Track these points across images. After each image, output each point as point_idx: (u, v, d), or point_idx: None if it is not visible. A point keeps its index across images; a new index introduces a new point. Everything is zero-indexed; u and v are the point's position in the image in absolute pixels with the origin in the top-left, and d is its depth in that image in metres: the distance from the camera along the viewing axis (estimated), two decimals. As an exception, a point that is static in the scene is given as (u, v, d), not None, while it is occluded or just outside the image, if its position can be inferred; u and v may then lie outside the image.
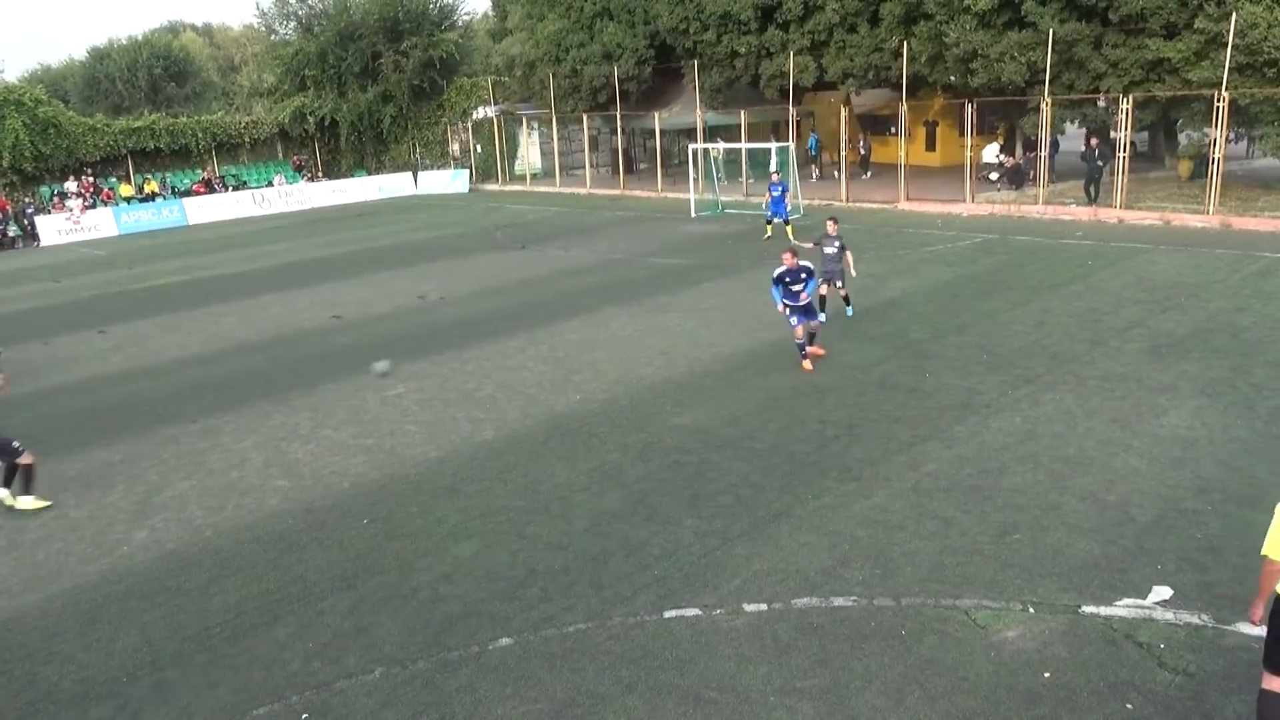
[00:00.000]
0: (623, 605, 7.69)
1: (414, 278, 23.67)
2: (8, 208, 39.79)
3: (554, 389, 13.60)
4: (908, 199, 30.42)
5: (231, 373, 15.89)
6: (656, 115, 39.82)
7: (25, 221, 39.23)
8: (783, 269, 13.48)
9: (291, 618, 7.88)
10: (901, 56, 30.72)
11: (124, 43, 74.24)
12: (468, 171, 48.40)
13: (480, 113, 48.19)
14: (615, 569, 8.31)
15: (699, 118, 38.12)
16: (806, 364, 13.68)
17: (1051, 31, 26.35)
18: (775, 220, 25.47)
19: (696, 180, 32.14)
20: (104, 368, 16.87)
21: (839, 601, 7.53)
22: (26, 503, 10.54)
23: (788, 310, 13.62)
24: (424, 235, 32.15)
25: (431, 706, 6.59)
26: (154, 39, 76.13)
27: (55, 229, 38.87)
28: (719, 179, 33.16)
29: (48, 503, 10.64)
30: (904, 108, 30.71)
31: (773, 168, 26.28)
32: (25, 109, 40.79)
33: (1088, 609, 7.20)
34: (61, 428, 13.44)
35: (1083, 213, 26.42)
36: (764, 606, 7.54)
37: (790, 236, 23.83)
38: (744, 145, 34.46)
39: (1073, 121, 32.12)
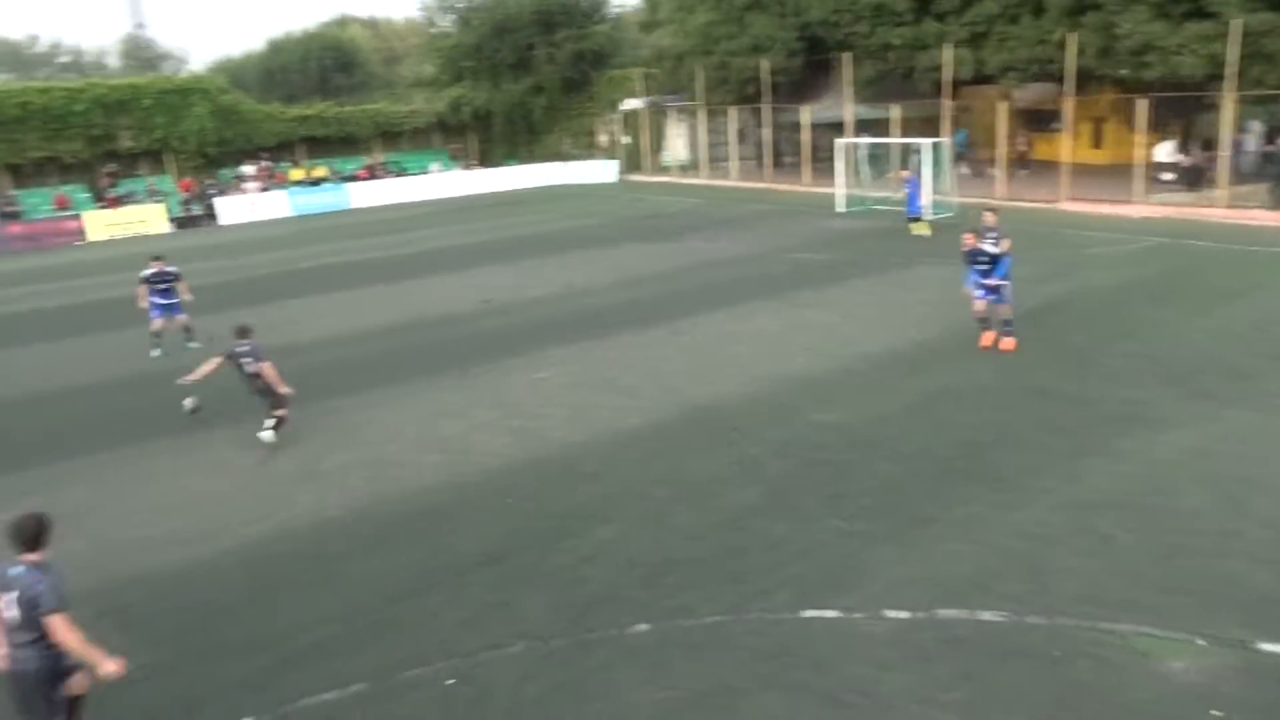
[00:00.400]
0: (760, 600, 7.65)
1: (560, 265, 24.13)
2: (193, 188, 42.79)
3: (695, 380, 13.63)
4: (1070, 199, 28.95)
5: (386, 350, 16.62)
6: (805, 108, 39.23)
7: (207, 202, 42.10)
8: (967, 248, 14.23)
9: (441, 588, 8.20)
10: (1067, 49, 29.18)
11: (298, 35, 78.60)
12: (616, 162, 49.00)
13: (628, 104, 48.68)
14: (753, 563, 8.27)
15: (848, 111, 37.34)
16: (985, 339, 14.16)
17: (1238, 22, 24.48)
18: (918, 218, 25.01)
19: (844, 175, 31.50)
20: (274, 339, 17.85)
21: (986, 615, 7.26)
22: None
23: (976, 290, 14.18)
24: (571, 224, 32.74)
25: (569, 684, 6.74)
26: (325, 32, 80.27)
27: (233, 209, 41.56)
28: (867, 174, 32.38)
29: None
30: (1069, 103, 29.18)
31: (908, 165, 25.73)
32: (210, 97, 43.80)
33: (1266, 646, 6.69)
34: (235, 395, 14.35)
35: (1270, 218, 24.50)
36: (906, 614, 7.34)
37: (923, 232, 23.44)
38: (893, 140, 33.55)
39: (1259, 120, 29.81)
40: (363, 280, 23.95)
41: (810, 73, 41.37)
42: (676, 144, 48.84)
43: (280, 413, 11.99)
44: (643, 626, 7.41)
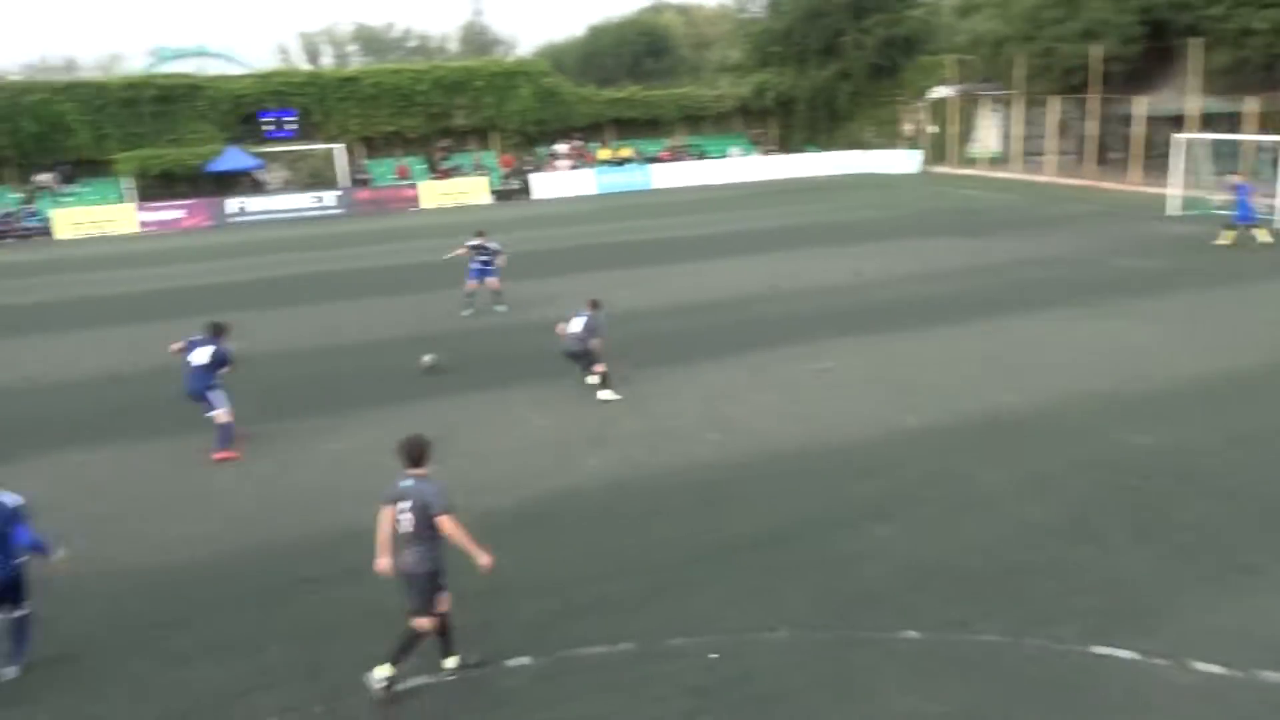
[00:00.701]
0: (1044, 627, 7.15)
1: (853, 255, 23.68)
2: (512, 164, 46.35)
3: (990, 385, 12.90)
4: None
5: (676, 328, 17.15)
6: (1139, 100, 35.62)
7: (523, 177, 45.43)
8: None
9: (711, 563, 8.39)
10: None
11: (617, 21, 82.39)
12: (919, 152, 47.24)
13: (938, 92, 46.64)
14: (1042, 586, 7.73)
15: (1191, 104, 33.44)
16: None
17: None
18: (1238, 226, 22.29)
19: (1180, 175, 28.31)
20: (564, 311, 18.92)
21: (1324, 686, 6.34)
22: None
23: None
24: (867, 214, 32.00)
25: (834, 679, 6.67)
26: (641, 18, 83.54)
27: (544, 185, 44.55)
28: (1209, 175, 28.90)
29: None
30: None
31: (1239, 169, 22.58)
32: (533, 80, 47.13)
33: None
34: (543, 357, 15.46)
35: None
36: (1219, 669, 6.57)
37: (1264, 239, 21.22)
38: (1246, 137, 29.67)
39: None
40: (659, 258, 24.82)
41: (1148, 61, 37.48)
42: (987, 135, 46.21)
43: (599, 369, 12.98)
44: (912, 633, 7.18)
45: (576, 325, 13.07)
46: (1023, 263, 21.70)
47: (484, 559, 6.71)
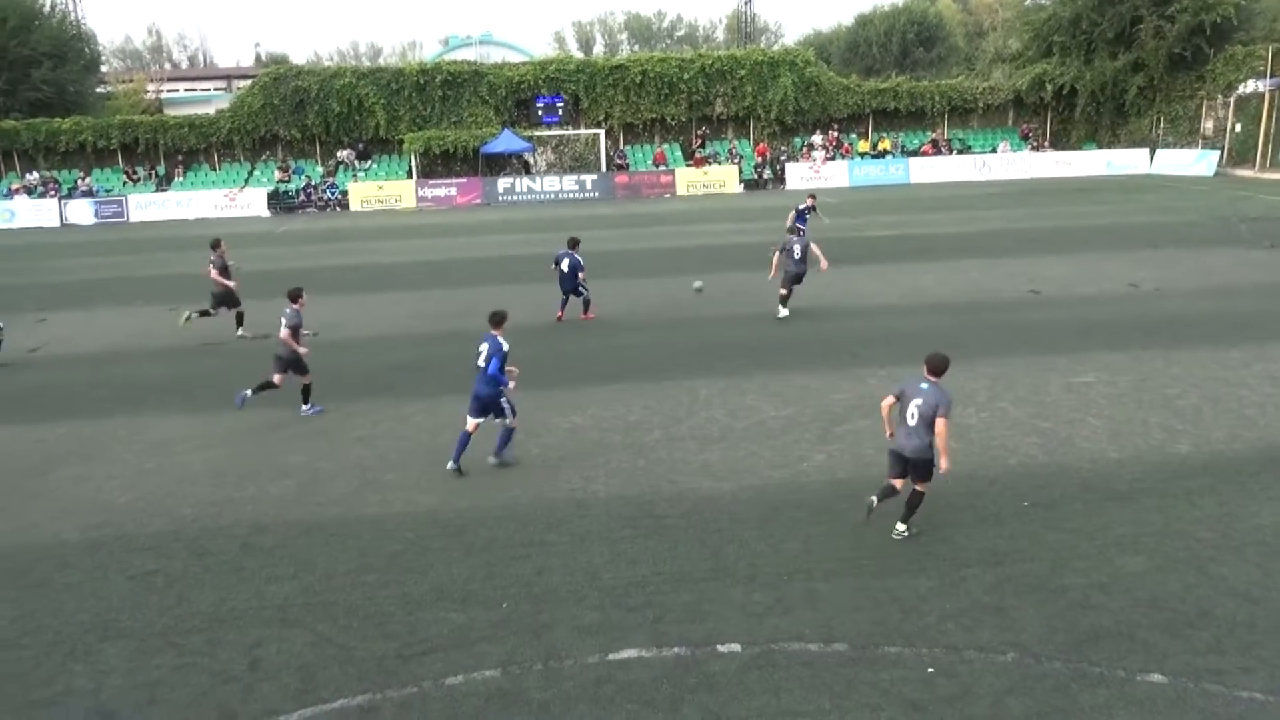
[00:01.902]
0: (1322, 692, 6.33)
1: (1129, 263, 21.77)
2: (767, 153, 46.28)
3: (1276, 415, 11.49)
4: None
5: (921, 328, 16.50)
6: None
7: (778, 167, 45.24)
8: None
9: (934, 573, 8.08)
10: None
11: (885, 10, 79.95)
12: (1217, 153, 42.52)
13: (1248, 86, 41.68)
14: (1321, 647, 6.84)
15: None
16: None
17: None
18: None
19: None
20: (818, 302, 18.76)
21: None
22: None
23: None
24: (1150, 219, 29.27)
25: (1060, 712, 6.24)
26: (913, 6, 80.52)
27: (799, 175, 44.14)
28: None
29: None
30: None
31: None
32: (796, 69, 46.70)
33: None
34: (785, 348, 15.43)
35: None
36: None
37: None
38: None
39: None
40: (912, 255, 23.99)
41: None
42: (1306, 136, 40.84)
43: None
44: (1157, 677, 6.57)
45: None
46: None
47: (945, 465, 8.40)
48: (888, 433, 8.89)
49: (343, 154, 46.95)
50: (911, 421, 8.48)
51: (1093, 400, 12.36)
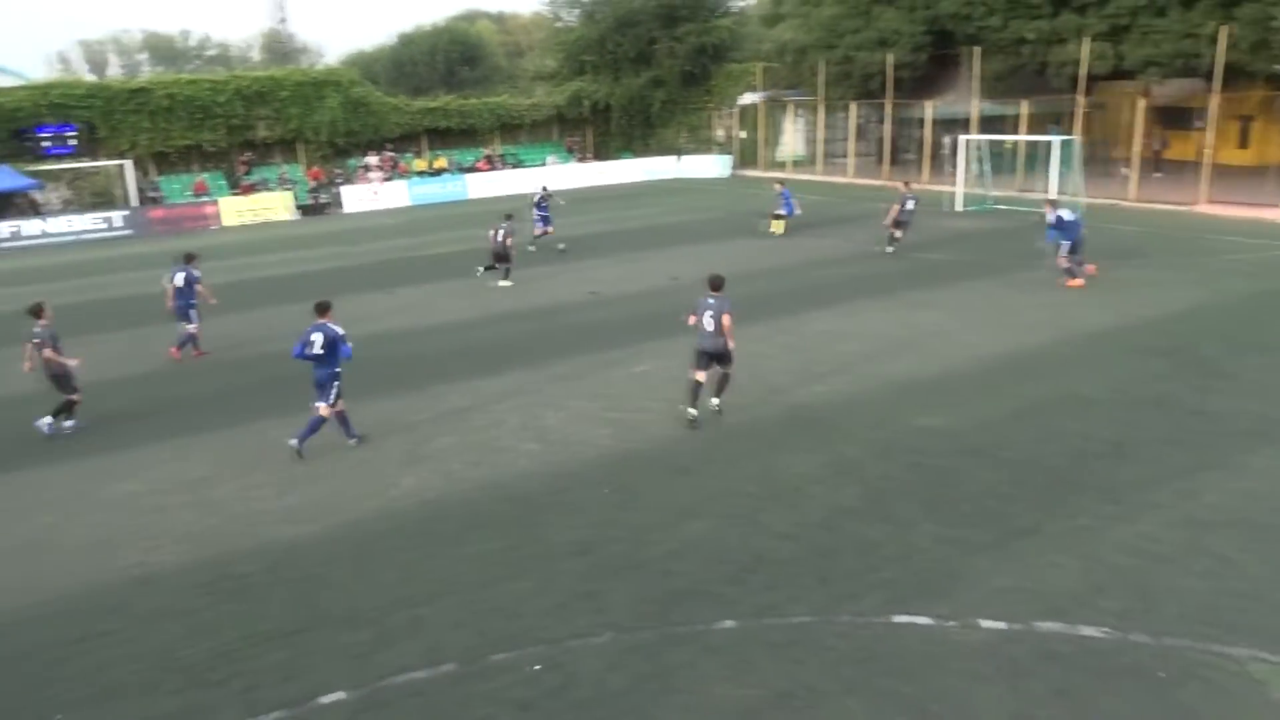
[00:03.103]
0: (850, 603, 7.54)
1: (669, 259, 24.18)
2: (321, 177, 44.64)
3: (797, 378, 13.49)
4: (1209, 201, 27.36)
5: (496, 338, 17.00)
6: (927, 104, 38.19)
7: (333, 190, 43.82)
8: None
9: (532, 574, 8.37)
10: (1217, 43, 27.53)
11: (427, 29, 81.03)
12: (730, 156, 48.80)
13: (746, 98, 48.39)
14: (845, 566, 8.15)
15: (974, 107, 36.16)
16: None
17: None
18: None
19: (964, 173, 30.54)
20: (389, 325, 18.52)
21: (1088, 631, 6.98)
22: None
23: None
24: (682, 218, 32.77)
25: (654, 677, 6.78)
26: (453, 26, 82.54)
27: (357, 198, 43.15)
28: (987, 173, 31.30)
29: None
30: (1215, 100, 27.55)
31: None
32: (342, 89, 45.54)
33: (1397, 682, 6.24)
34: (349, 377, 14.91)
35: None
36: (1003, 625, 7.13)
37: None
38: (1020, 138, 32.34)
39: None
40: (472, 269, 24.50)
41: (935, 68, 40.27)
42: (792, 139, 48.29)
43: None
44: (729, 623, 7.40)
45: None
46: (828, 260, 22.80)
47: (732, 344, 11.60)
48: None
49: None
50: (710, 326, 11.48)
51: (652, 386, 13.57)
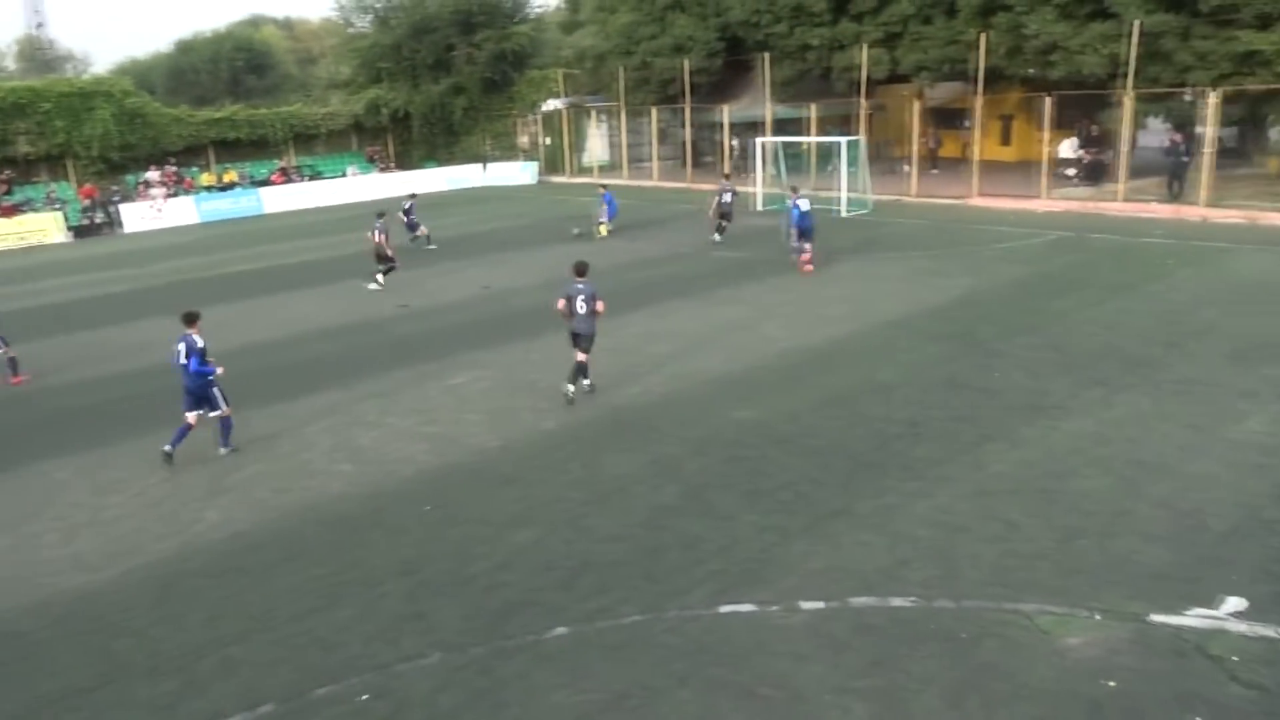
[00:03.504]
0: (678, 599, 7.70)
1: (481, 268, 23.93)
2: (95, 195, 41.24)
3: (615, 381, 13.64)
4: (980, 194, 29.77)
5: (303, 358, 16.27)
6: (724, 108, 39.59)
7: (111, 209, 40.60)
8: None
9: (352, 600, 8.05)
10: (978, 49, 30.04)
11: (208, 36, 76.53)
12: (535, 163, 48.78)
13: (549, 105, 48.51)
14: (671, 562, 8.31)
15: (767, 111, 37.79)
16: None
17: (1137, 23, 25.50)
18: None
19: (762, 174, 31.86)
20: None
21: (897, 602, 7.42)
22: None
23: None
24: (491, 226, 32.48)
25: (487, 692, 6.68)
26: (236, 32, 78.38)
27: (139, 216, 40.17)
28: (783, 173, 32.80)
29: None
30: (979, 101, 30.02)
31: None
32: (114, 100, 42.22)
33: (1157, 618, 6.99)
34: (142, 408, 13.89)
35: (1164, 210, 25.56)
36: (821, 605, 7.47)
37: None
38: (810, 139, 34.08)
39: (1156, 116, 31.06)
40: (278, 286, 23.38)
41: (730, 73, 41.80)
42: (597, 145, 48.86)
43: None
44: (560, 630, 7.39)
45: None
46: (636, 263, 23.20)
47: (600, 307, 12.76)
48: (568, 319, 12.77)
49: None
50: (582, 310, 12.51)
51: (469, 397, 13.37)
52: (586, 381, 12.96)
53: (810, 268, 20.17)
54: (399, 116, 50.04)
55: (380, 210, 23.66)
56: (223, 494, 10.52)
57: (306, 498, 10.27)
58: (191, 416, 11.48)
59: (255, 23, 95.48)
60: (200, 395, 11.44)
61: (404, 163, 51.42)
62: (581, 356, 12.74)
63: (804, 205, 20.30)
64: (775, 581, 7.85)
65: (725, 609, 7.51)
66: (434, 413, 12.83)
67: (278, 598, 8.19)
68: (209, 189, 43.84)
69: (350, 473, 10.90)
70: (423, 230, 27.90)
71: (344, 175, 47.44)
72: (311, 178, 46.81)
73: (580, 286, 12.59)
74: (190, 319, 11.52)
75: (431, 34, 48.14)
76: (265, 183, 45.29)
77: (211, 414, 11.59)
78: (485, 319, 18.25)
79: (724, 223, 25.04)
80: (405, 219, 27.24)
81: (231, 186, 44.40)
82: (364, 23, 52.42)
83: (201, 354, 11.34)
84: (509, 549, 8.77)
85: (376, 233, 22.12)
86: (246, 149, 46.68)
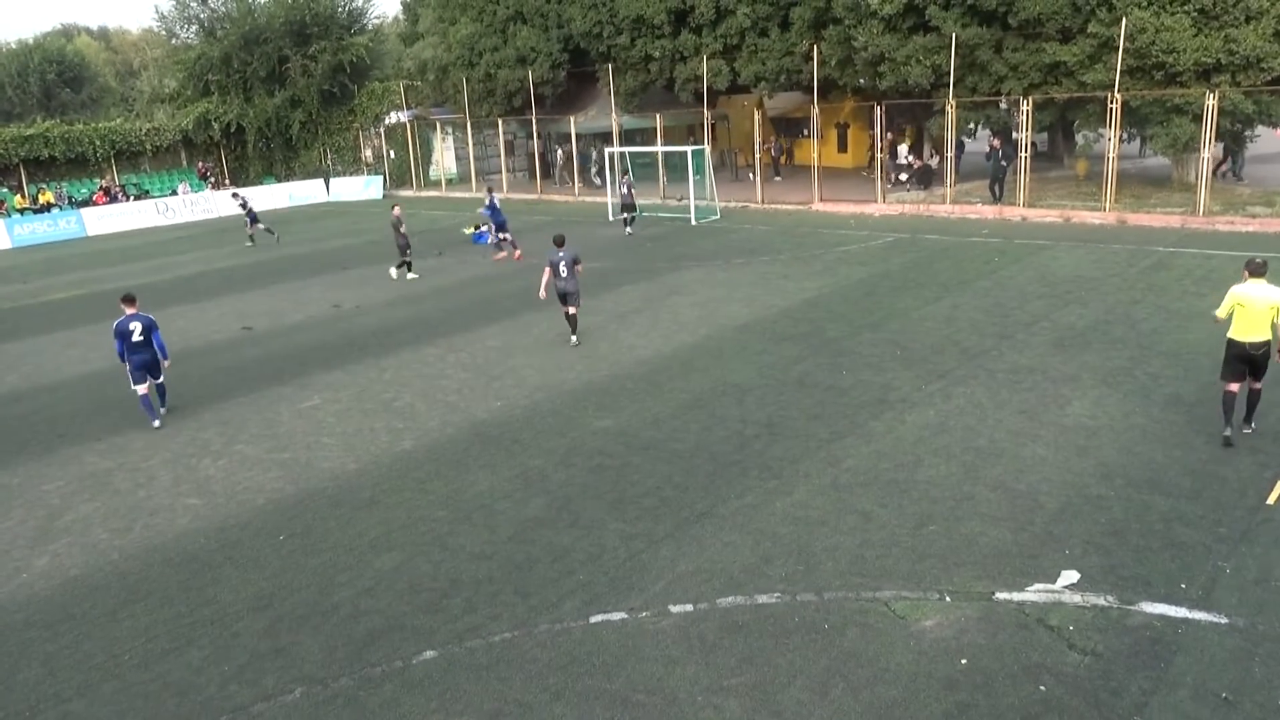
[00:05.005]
0: (549, 612, 7.65)
1: (328, 286, 23.19)
2: (-111, 221, 37.69)
3: (474, 396, 13.47)
4: (821, 200, 30.99)
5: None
6: (572, 119, 39.76)
7: (-92, 235, 37.19)
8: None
9: (205, 641, 7.63)
10: (812, 60, 31.28)
11: (13, 46, 71.15)
12: (381, 178, 47.64)
13: (393, 118, 47.49)
14: (540, 576, 8.26)
15: (615, 121, 38.19)
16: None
17: (954, 35, 27.15)
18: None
19: (612, 184, 32.17)
20: (-2, 387, 16.12)
21: (763, 599, 7.62)
22: None
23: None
24: (337, 243, 31.53)
25: (354, 724, 6.46)
26: (46, 43, 73.18)
27: (-59, 243, 36.97)
28: (631, 181, 33.22)
29: None
30: (815, 110, 31.27)
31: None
32: (-94, 117, 38.70)
33: (1001, 595, 7.43)
34: (-47, 451, 12.78)
35: (988, 211, 27.28)
36: (690, 607, 7.58)
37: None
38: (659, 149, 34.68)
39: (977, 123, 33.15)
40: (107, 314, 21.93)
41: (576, 84, 42.02)
42: (444, 157, 48.14)
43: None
44: (429, 654, 7.22)
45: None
46: (490, 277, 22.99)
47: (580, 268, 15.64)
48: (542, 293, 15.52)
49: None
50: (565, 273, 14.99)
51: (323, 421, 12.91)
52: (574, 339, 15.57)
53: (504, 255, 24.78)
54: (231, 131, 47.96)
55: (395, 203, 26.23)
56: (53, 539, 9.78)
57: (149, 536, 9.67)
58: (141, 388, 12.93)
59: (68, 33, 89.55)
60: (151, 367, 12.96)
61: (239, 179, 49.30)
62: (572, 310, 15.36)
63: (497, 201, 25.08)
64: (644, 587, 7.92)
65: (596, 618, 7.52)
66: (286, 438, 12.33)
67: (123, 643, 7.67)
68: (22, 211, 40.78)
69: (197, 506, 10.34)
70: (261, 225, 31.92)
71: (173, 193, 45.02)
72: (138, 197, 44.24)
73: (562, 254, 15.01)
74: (130, 299, 12.96)
75: (263, 45, 46.36)
76: (87, 203, 42.52)
77: (158, 380, 13.23)
78: (334, 339, 17.67)
79: (626, 215, 27.86)
80: (244, 211, 32.04)
81: (49, 208, 41.45)
82: (189, 34, 50.03)
83: (154, 327, 13.01)
84: (372, 575, 8.52)
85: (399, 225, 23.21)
86: (63, 167, 43.79)
